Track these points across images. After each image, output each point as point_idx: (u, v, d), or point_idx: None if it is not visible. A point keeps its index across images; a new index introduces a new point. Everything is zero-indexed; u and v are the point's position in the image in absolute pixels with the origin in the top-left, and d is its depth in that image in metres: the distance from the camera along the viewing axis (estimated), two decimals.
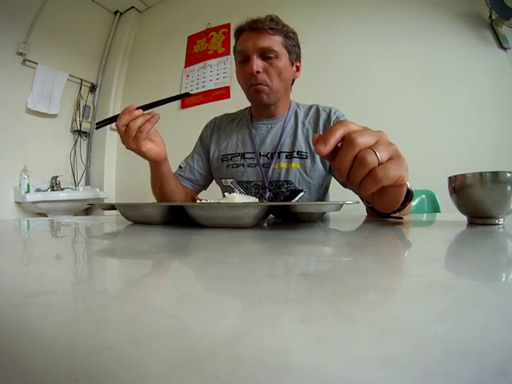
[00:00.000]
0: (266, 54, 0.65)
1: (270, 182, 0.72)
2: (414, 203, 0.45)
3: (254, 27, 0.65)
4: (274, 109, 0.74)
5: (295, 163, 0.71)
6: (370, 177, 0.29)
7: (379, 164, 0.29)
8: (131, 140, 0.53)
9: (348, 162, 0.29)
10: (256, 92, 0.67)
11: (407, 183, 0.37)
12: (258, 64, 0.64)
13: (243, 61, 0.67)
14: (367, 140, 0.29)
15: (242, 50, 0.66)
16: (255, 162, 0.74)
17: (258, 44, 0.64)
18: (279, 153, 0.72)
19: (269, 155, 0.73)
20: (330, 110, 0.75)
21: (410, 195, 0.39)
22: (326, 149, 0.30)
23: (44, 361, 0.07)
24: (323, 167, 0.72)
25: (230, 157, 0.77)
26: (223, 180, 0.77)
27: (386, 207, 0.39)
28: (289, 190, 0.71)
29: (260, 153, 0.74)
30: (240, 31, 0.68)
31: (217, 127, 0.82)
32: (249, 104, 0.83)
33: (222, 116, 0.85)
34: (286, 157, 0.72)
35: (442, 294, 0.11)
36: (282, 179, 0.72)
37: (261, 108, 0.75)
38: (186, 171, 0.80)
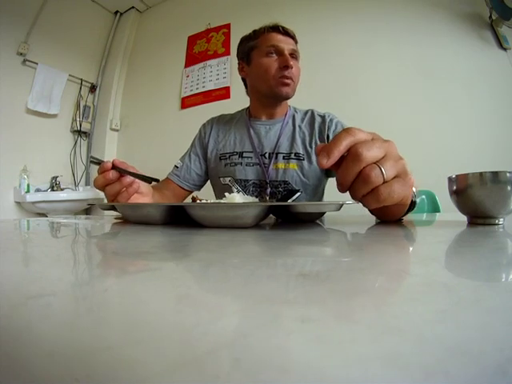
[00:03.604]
0: (292, 55, 0.72)
1: (270, 180, 0.74)
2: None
3: (286, 32, 0.73)
4: (276, 109, 0.78)
5: (292, 164, 0.74)
6: (373, 195, 0.28)
7: (384, 181, 0.27)
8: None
9: (351, 176, 0.28)
10: (283, 85, 0.71)
11: (413, 190, 0.36)
12: (292, 60, 0.71)
13: (272, 54, 0.71)
14: (374, 154, 0.27)
15: (276, 44, 0.71)
16: (254, 161, 0.75)
17: (289, 46, 0.72)
18: (277, 153, 0.74)
19: (266, 155, 0.75)
20: (325, 115, 0.78)
21: (412, 205, 0.37)
22: (329, 162, 0.27)
23: (44, 361, 0.07)
24: (319, 168, 0.74)
25: (227, 155, 0.78)
26: (221, 178, 0.78)
27: (386, 219, 0.40)
28: (286, 189, 0.73)
29: (258, 152, 0.75)
30: (273, 29, 0.73)
31: (215, 126, 0.83)
32: (248, 104, 0.84)
33: (220, 116, 0.87)
34: (284, 158, 0.74)
35: (441, 294, 0.11)
36: (279, 179, 0.73)
37: (274, 102, 0.76)
38: (183, 171, 0.80)
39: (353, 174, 0.27)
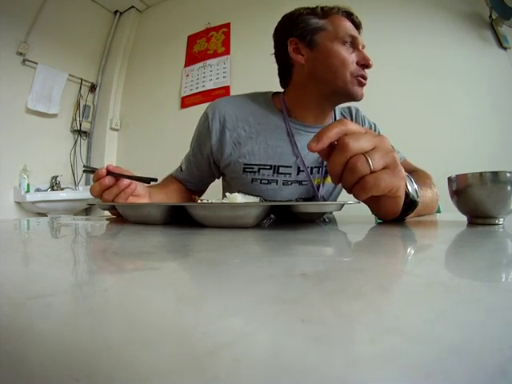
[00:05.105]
0: None
1: (304, 198, 0.64)
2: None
3: (359, 24, 0.62)
4: (330, 112, 0.67)
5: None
6: (360, 185, 0.28)
7: (372, 172, 0.28)
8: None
9: (339, 166, 0.29)
10: (360, 84, 0.59)
11: (416, 190, 0.36)
12: None
13: (347, 44, 0.58)
14: (362, 145, 0.28)
15: (354, 36, 0.59)
16: (292, 179, 0.62)
17: (362, 41, 0.61)
18: (321, 167, 0.63)
19: (308, 169, 0.63)
20: (351, 109, 0.73)
21: (412, 204, 0.36)
22: (318, 146, 0.28)
23: (44, 361, 0.07)
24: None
25: (256, 168, 0.61)
26: (243, 194, 0.68)
27: (382, 215, 0.38)
28: None
29: (299, 167, 0.62)
30: (347, 15, 0.61)
31: (229, 120, 0.63)
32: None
33: (230, 101, 0.66)
34: (326, 171, 0.64)
35: (442, 294, 0.11)
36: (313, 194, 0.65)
37: (336, 102, 0.64)
38: (186, 175, 0.70)
39: (340, 163, 0.28)
